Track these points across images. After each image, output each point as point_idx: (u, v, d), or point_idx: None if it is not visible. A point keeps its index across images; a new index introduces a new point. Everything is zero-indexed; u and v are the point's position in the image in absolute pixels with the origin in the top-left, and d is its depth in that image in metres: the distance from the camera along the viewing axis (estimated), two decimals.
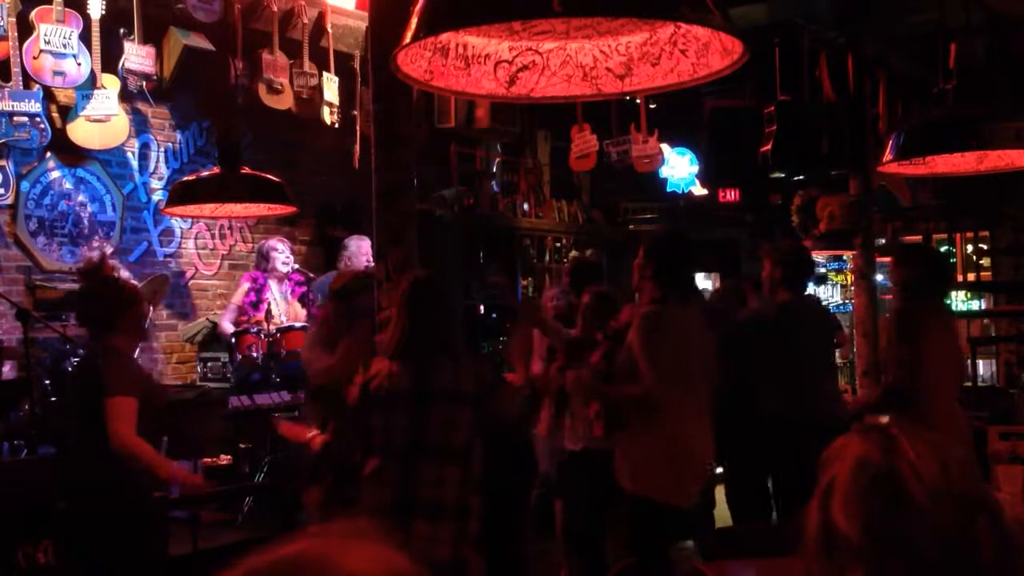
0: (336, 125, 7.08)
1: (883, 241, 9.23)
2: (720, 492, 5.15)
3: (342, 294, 4.23)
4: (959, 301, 9.97)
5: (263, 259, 6.42)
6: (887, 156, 4.26)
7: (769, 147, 7.08)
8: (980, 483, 1.20)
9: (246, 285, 6.38)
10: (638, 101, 7.89)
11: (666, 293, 3.69)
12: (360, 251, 6.60)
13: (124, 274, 6.29)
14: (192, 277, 7.05)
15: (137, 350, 4.10)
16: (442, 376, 3.27)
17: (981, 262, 9.71)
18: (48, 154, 6.18)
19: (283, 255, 6.39)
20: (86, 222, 6.42)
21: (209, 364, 6.42)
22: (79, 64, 5.79)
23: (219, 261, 7.22)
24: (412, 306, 3.31)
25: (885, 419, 5.16)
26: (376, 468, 3.21)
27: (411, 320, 3.30)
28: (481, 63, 2.19)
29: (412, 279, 3.42)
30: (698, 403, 3.69)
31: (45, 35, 5.65)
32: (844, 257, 9.75)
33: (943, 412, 4.04)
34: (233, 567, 0.77)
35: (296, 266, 6.51)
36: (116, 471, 3.54)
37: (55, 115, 6.06)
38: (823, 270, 10.60)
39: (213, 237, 7.20)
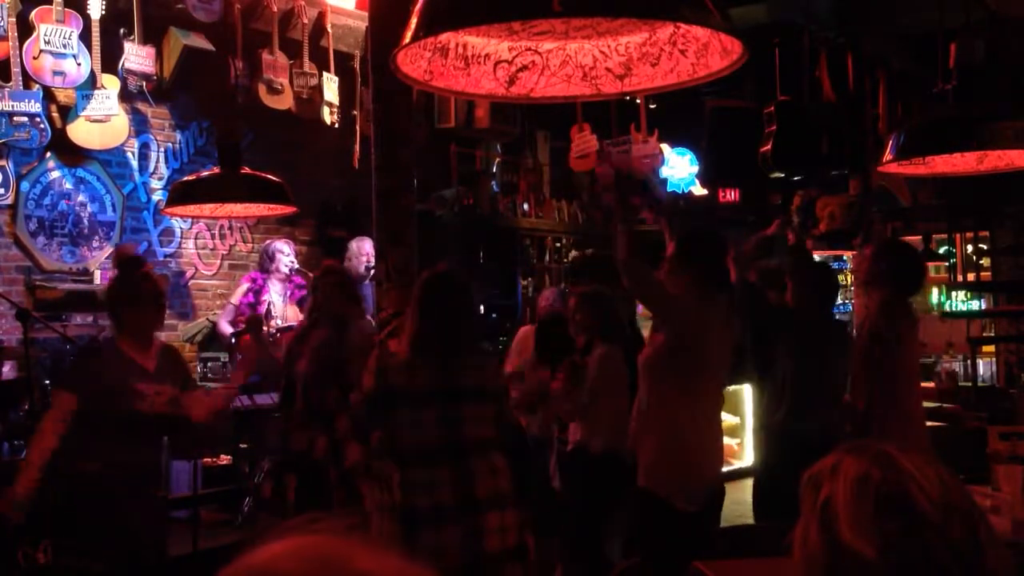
0: (336, 125, 7.09)
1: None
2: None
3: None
4: (959, 301, 9.97)
5: (268, 259, 6.43)
6: (887, 156, 4.26)
7: (769, 147, 7.08)
8: (969, 491, 1.23)
9: (245, 286, 6.40)
10: (638, 101, 7.88)
11: (691, 283, 3.63)
12: (360, 251, 6.61)
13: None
14: (192, 277, 7.05)
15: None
16: (469, 374, 3.21)
17: (981, 262, 9.70)
18: (48, 154, 6.18)
19: (288, 257, 6.41)
20: (86, 222, 6.42)
21: (209, 364, 6.42)
22: (79, 64, 5.79)
23: (219, 261, 7.22)
24: (427, 302, 3.23)
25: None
26: (420, 472, 3.11)
27: (427, 316, 3.20)
28: (481, 63, 2.19)
29: (427, 274, 3.34)
30: (710, 406, 3.66)
31: (45, 35, 5.66)
32: (844, 257, 9.75)
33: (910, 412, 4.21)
34: (239, 562, 0.76)
35: (297, 266, 6.52)
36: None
37: (55, 115, 6.06)
38: None
39: (213, 237, 7.19)
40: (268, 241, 6.66)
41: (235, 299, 6.38)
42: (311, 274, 6.60)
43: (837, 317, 6.45)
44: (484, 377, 3.26)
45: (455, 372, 3.18)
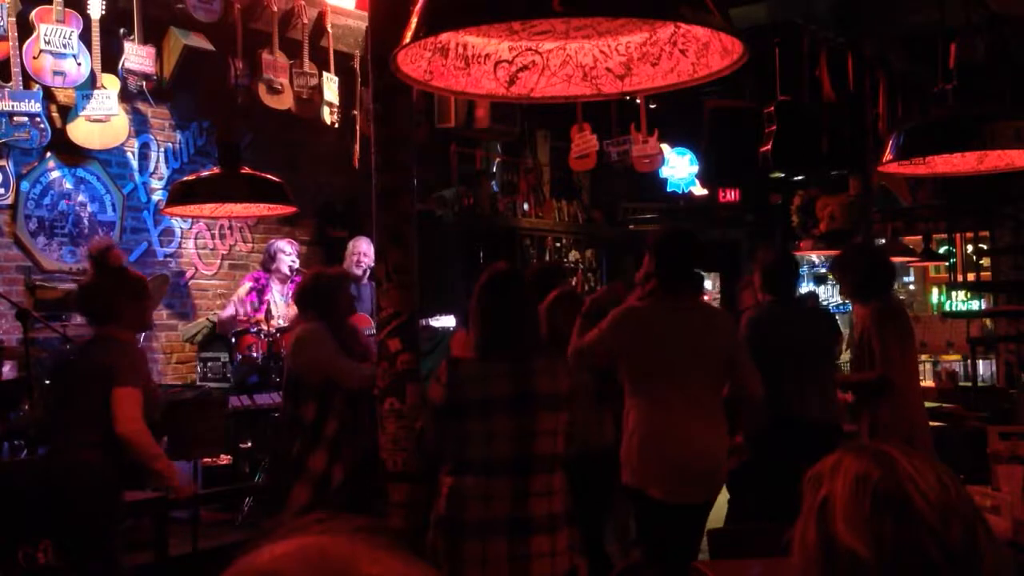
0: (336, 125, 7.09)
1: (883, 241, 9.24)
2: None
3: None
4: (959, 301, 9.97)
5: (269, 259, 6.43)
6: (887, 156, 4.26)
7: (769, 147, 7.08)
8: (969, 494, 1.23)
9: (248, 284, 6.40)
10: (638, 101, 7.89)
11: (657, 287, 3.71)
12: (354, 250, 6.61)
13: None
14: (192, 277, 7.05)
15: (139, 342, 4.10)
16: (543, 379, 3.02)
17: (981, 262, 9.71)
18: (48, 154, 6.18)
19: (290, 257, 6.40)
20: (86, 222, 6.42)
21: (209, 364, 6.42)
22: (79, 64, 5.79)
23: (219, 261, 7.22)
24: (491, 303, 3.05)
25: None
26: (478, 482, 2.95)
27: (492, 318, 3.03)
28: (481, 63, 2.19)
29: (493, 270, 3.15)
30: (689, 398, 3.67)
31: (45, 35, 5.65)
32: None
33: (915, 411, 4.24)
34: (241, 562, 0.75)
35: (299, 267, 6.51)
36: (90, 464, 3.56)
37: (55, 115, 6.06)
38: (823, 270, 10.60)
39: (213, 237, 7.20)
40: (271, 241, 6.66)
41: (239, 295, 6.38)
42: None
43: (816, 305, 6.46)
44: (557, 383, 3.06)
45: (528, 377, 2.99)
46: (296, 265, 6.44)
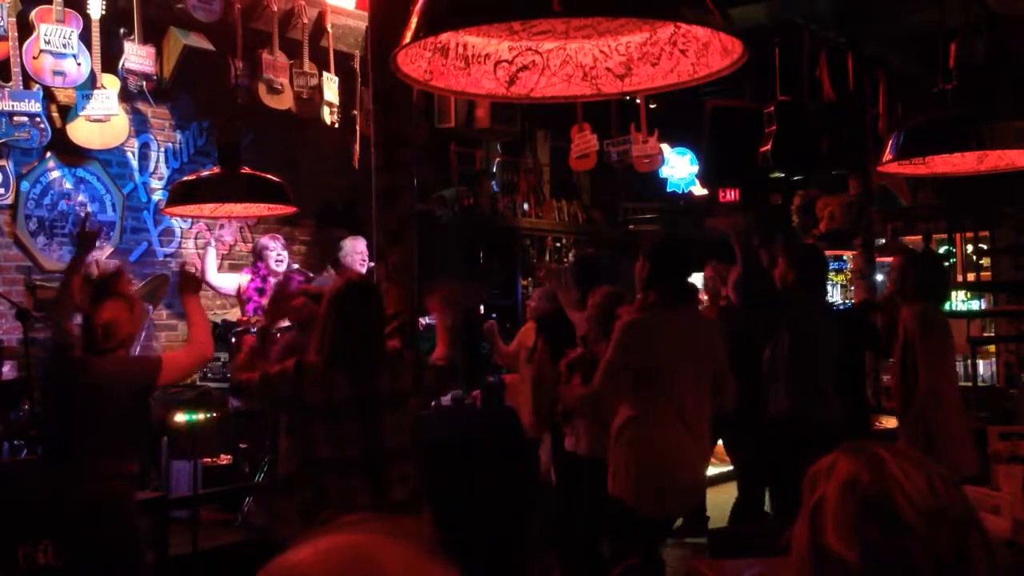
0: (336, 125, 7.08)
1: (883, 241, 9.24)
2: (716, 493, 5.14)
3: None
4: (959, 301, 9.97)
5: (258, 257, 6.42)
6: (887, 156, 4.26)
7: (769, 147, 7.08)
8: (965, 498, 1.21)
9: (248, 275, 6.40)
10: (638, 101, 7.89)
11: (657, 298, 3.65)
12: (354, 250, 6.60)
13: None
14: None
15: None
16: (383, 380, 3.18)
17: (981, 262, 9.71)
18: (48, 154, 6.18)
19: (275, 252, 6.34)
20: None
21: (209, 364, 6.40)
22: (79, 64, 5.79)
23: (219, 261, 7.21)
24: (341, 310, 3.19)
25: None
26: (336, 479, 3.11)
27: (337, 328, 3.17)
28: (481, 63, 2.19)
29: (344, 282, 3.32)
30: (682, 413, 3.61)
31: (45, 35, 5.65)
32: (844, 257, 9.76)
33: (956, 410, 4.21)
34: (281, 558, 0.75)
35: (296, 265, 6.50)
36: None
37: (55, 115, 6.06)
38: None
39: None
40: (255, 239, 6.66)
41: (240, 279, 6.40)
42: (311, 275, 6.59)
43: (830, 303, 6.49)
44: (397, 382, 3.23)
45: (369, 379, 3.15)
46: (284, 260, 6.40)
